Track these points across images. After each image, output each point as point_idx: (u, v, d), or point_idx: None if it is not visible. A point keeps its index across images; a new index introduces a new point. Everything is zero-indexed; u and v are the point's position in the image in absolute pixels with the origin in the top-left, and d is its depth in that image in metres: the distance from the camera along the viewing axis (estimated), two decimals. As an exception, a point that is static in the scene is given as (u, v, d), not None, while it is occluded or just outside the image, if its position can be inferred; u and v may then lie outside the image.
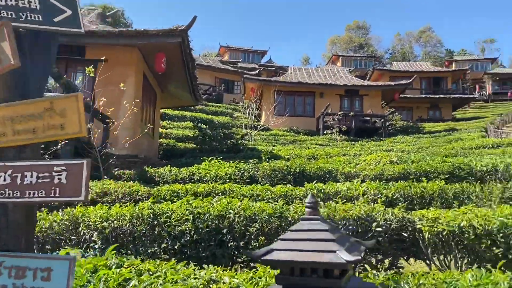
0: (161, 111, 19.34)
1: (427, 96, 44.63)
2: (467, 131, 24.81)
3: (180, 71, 13.77)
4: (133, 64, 12.43)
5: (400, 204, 6.08)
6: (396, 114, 26.02)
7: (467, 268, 4.63)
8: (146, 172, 9.40)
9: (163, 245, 4.75)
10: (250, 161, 9.47)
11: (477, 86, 66.50)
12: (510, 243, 4.39)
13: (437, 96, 44.10)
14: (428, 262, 4.97)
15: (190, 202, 5.16)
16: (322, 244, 1.85)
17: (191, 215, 4.84)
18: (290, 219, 4.87)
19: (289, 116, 27.60)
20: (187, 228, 4.73)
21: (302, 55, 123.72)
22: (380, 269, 4.92)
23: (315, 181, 7.66)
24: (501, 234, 4.45)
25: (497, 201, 6.24)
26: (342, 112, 25.40)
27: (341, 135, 24.42)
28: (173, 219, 4.83)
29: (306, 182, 7.67)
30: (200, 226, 4.76)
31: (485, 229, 4.51)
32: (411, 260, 5.23)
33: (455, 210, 5.00)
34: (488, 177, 8.10)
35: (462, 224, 4.56)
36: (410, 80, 27.65)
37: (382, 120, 25.73)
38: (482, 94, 66.13)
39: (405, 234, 4.91)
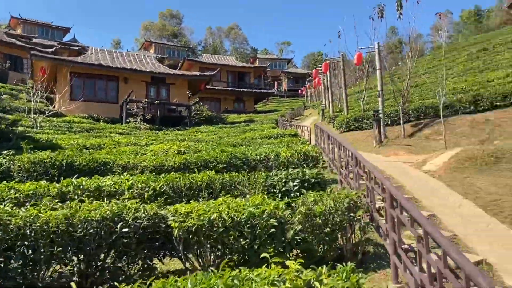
0: None
1: (233, 89, 47.53)
2: (262, 123, 27.21)
3: None
4: None
5: (166, 197, 5.68)
6: (201, 104, 26.50)
7: (217, 262, 4.50)
8: None
9: None
10: (5, 152, 7.70)
11: (275, 83, 74.80)
12: (256, 233, 4.43)
13: (241, 90, 47.45)
14: (182, 259, 4.67)
15: None
16: None
17: None
18: None
19: (87, 102, 25.06)
20: None
21: (114, 38, 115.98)
22: (129, 272, 4.37)
23: (93, 175, 6.68)
24: (249, 225, 4.45)
25: (261, 189, 6.48)
26: (147, 100, 24.42)
27: (145, 124, 23.48)
28: None
29: (74, 176, 6.61)
30: None
31: (234, 220, 4.44)
32: (168, 258, 4.87)
33: (213, 202, 4.84)
34: (260, 165, 8.56)
35: (212, 217, 4.38)
36: (214, 72, 28.64)
37: (188, 109, 25.87)
38: (280, 90, 74.76)
39: (159, 232, 4.49)
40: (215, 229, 4.33)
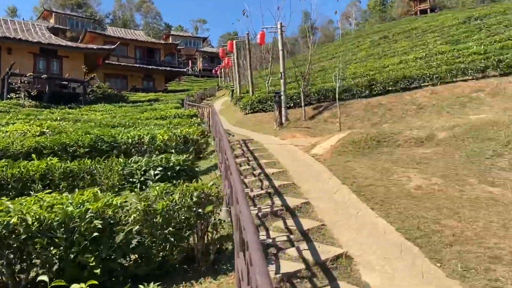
0: None
1: (141, 66, 44.83)
2: (167, 102, 25.81)
3: None
4: None
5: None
6: (100, 81, 24.18)
7: (25, 276, 3.54)
8: None
9: None
10: None
11: (190, 62, 72.54)
12: (74, 239, 3.54)
13: (150, 67, 44.94)
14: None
15: None
16: None
17: None
18: None
19: (-41, 74, 21.62)
20: None
21: (8, 6, 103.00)
22: None
23: None
24: (63, 229, 3.55)
25: (117, 179, 5.56)
26: (32, 74, 21.60)
27: (31, 101, 20.82)
28: None
29: None
30: None
31: (43, 224, 3.50)
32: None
33: (24, 199, 3.83)
34: (133, 150, 7.59)
35: (12, 221, 3.39)
36: (114, 46, 26.33)
37: (83, 86, 23.50)
38: (194, 70, 72.75)
39: None
40: (14, 236, 3.36)
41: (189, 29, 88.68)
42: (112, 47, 26.39)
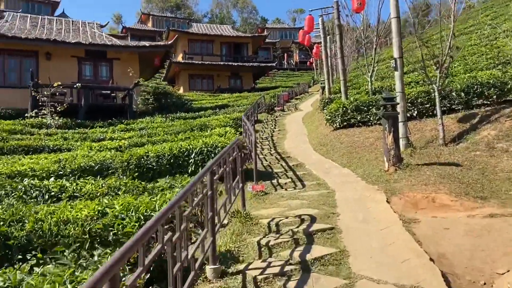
0: None
1: (227, 63, 38.90)
2: (233, 111, 18.85)
3: None
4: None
5: None
6: (140, 83, 18.04)
7: None
8: None
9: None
10: None
11: (285, 55, 65.25)
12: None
13: (236, 64, 38.74)
14: None
15: None
16: None
17: None
18: None
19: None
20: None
21: (114, 13, 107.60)
22: None
23: None
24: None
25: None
26: (60, 82, 16.43)
27: (58, 118, 15.66)
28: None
29: None
30: None
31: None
32: None
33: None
34: None
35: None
36: (171, 41, 20.19)
37: (128, 94, 17.79)
38: (290, 63, 65.31)
39: None
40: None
41: (286, 21, 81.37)
42: (169, 42, 20.33)
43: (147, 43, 19.92)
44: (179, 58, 39.58)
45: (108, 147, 11.49)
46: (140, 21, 62.51)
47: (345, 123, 11.97)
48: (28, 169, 7.67)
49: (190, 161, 8.18)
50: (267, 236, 4.79)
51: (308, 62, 52.20)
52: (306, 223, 5.26)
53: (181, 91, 38.59)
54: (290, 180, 8.22)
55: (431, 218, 5.53)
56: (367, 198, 6.51)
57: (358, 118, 11.62)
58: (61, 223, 3.95)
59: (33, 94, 16.20)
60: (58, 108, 15.66)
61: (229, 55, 40.95)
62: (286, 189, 7.62)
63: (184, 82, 38.84)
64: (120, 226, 3.84)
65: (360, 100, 11.80)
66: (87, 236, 3.82)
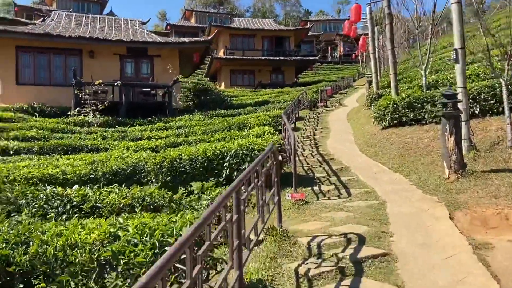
0: None
1: (268, 58, 38.16)
2: (273, 108, 18.13)
3: None
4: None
5: None
6: (179, 80, 17.66)
7: None
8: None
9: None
10: None
11: (329, 48, 63.37)
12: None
13: (278, 58, 37.89)
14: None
15: None
16: None
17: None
18: None
19: (38, 86, 18.08)
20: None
21: (159, 10, 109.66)
22: None
23: None
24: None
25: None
26: (103, 80, 16.51)
27: (100, 116, 15.75)
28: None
29: None
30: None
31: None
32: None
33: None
34: None
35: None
36: (210, 37, 19.68)
37: (167, 92, 17.58)
38: (334, 56, 63.35)
39: None
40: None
41: (330, 13, 79.08)
42: (209, 38, 19.92)
43: (186, 39, 19.65)
44: (221, 54, 39.38)
45: (145, 146, 11.21)
46: (183, 17, 63.17)
47: (395, 122, 10.89)
48: (60, 172, 7.42)
49: (225, 164, 7.58)
50: (306, 262, 4.05)
51: (353, 55, 50.43)
52: (354, 245, 4.46)
53: (222, 86, 38.41)
54: (333, 187, 7.40)
55: (508, 243, 4.54)
56: (426, 212, 5.58)
57: (411, 116, 10.50)
58: (68, 247, 3.43)
59: (75, 92, 16.37)
60: (99, 106, 15.71)
61: (270, 49, 40.19)
62: (329, 198, 6.83)
63: (226, 78, 38.60)
64: (132, 254, 3.25)
65: (413, 95, 10.66)
66: (95, 264, 3.27)
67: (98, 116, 15.67)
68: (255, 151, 7.63)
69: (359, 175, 8.17)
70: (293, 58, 38.13)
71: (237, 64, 37.90)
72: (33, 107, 16.64)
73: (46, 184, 6.46)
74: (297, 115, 18.01)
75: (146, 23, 24.84)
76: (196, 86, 20.97)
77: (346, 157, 10.16)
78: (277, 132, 11.25)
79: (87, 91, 16.21)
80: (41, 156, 10.30)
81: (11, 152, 10.92)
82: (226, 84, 38.21)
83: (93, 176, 7.56)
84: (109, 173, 7.68)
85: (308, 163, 9.73)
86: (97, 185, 6.71)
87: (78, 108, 15.96)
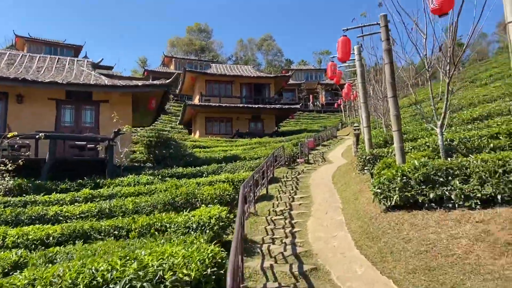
0: None
1: (247, 105, 35.11)
2: (250, 159, 14.38)
3: None
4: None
5: None
6: (123, 131, 13.72)
7: None
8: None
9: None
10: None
11: (311, 97, 61.40)
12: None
13: (256, 106, 34.84)
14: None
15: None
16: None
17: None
18: None
19: None
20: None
21: (139, 56, 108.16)
22: None
23: None
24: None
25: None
26: (17, 133, 12.57)
27: (16, 179, 11.66)
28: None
29: None
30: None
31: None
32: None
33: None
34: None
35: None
36: (169, 80, 16.12)
37: (108, 146, 13.70)
38: (316, 105, 61.26)
39: None
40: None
41: (311, 62, 78.34)
42: (167, 81, 16.40)
43: (140, 83, 16.10)
44: (196, 101, 36.27)
45: (29, 238, 7.18)
46: (162, 64, 60.82)
47: (403, 203, 7.21)
48: None
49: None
50: None
51: (335, 104, 47.98)
52: None
53: (197, 135, 34.91)
54: None
55: None
56: None
57: (431, 195, 6.84)
58: None
59: (-20, 147, 12.36)
60: (8, 166, 11.67)
61: (249, 96, 37.27)
62: None
63: (201, 126, 35.19)
64: None
65: (432, 165, 7.06)
66: None
67: (7, 179, 11.58)
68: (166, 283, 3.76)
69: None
70: (273, 106, 35.13)
71: (213, 112, 34.68)
72: None
73: None
74: (271, 176, 14.32)
75: (99, 63, 21.47)
76: (155, 137, 17.25)
77: (336, 261, 6.32)
78: (232, 216, 7.40)
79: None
80: None
81: None
82: (202, 133, 34.73)
83: None
84: None
85: (275, 278, 5.83)
86: None
87: (-21, 169, 11.85)
